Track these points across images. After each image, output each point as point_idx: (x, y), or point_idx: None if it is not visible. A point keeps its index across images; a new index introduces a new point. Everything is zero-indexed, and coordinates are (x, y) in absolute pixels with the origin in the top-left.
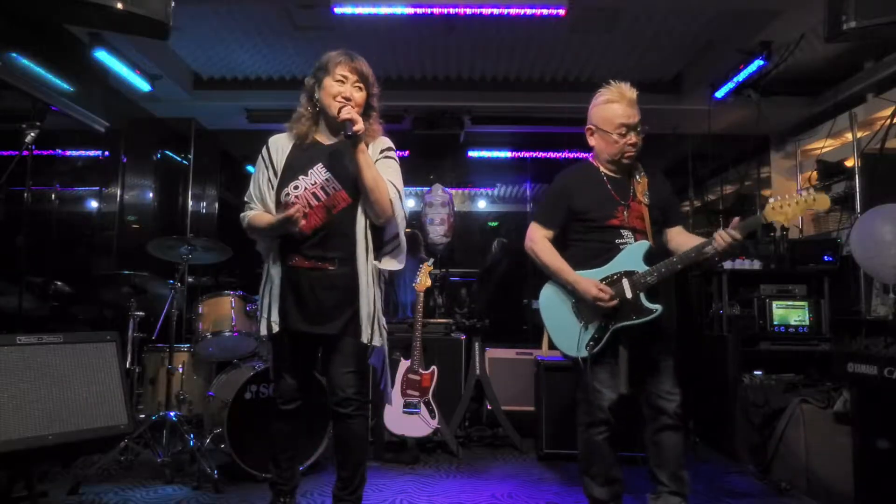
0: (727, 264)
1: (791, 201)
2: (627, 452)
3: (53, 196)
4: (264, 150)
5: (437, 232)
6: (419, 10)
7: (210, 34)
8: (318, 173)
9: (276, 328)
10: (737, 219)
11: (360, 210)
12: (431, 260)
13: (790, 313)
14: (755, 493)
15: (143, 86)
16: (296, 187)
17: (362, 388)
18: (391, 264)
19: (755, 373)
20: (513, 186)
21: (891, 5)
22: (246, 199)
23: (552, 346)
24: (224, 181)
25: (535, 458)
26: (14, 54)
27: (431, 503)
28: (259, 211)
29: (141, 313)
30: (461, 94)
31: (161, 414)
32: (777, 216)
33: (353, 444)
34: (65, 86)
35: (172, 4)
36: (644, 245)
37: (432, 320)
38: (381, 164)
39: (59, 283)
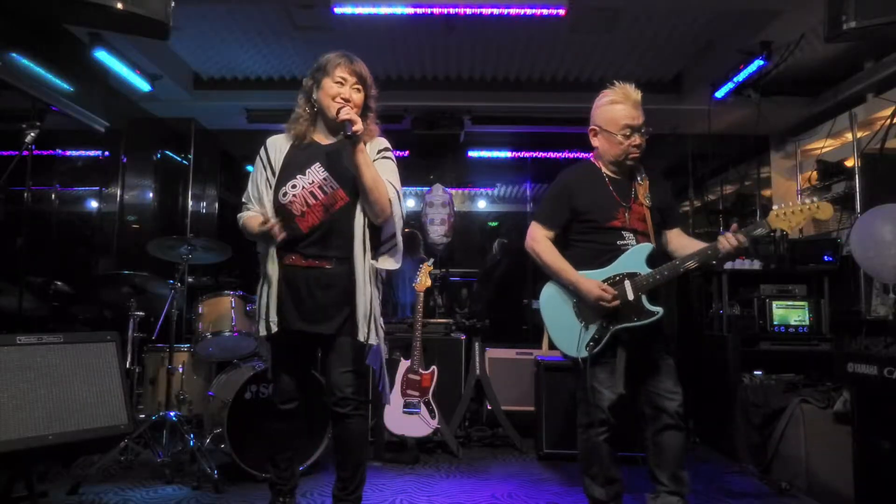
0: (727, 264)
1: (795, 209)
2: (627, 452)
3: (53, 196)
4: (262, 151)
5: (438, 232)
6: (419, 10)
7: (210, 34)
8: (315, 172)
9: (274, 328)
10: (734, 225)
11: (358, 209)
12: (431, 260)
13: (790, 313)
14: (755, 493)
15: (143, 86)
16: (293, 186)
17: (360, 387)
18: (388, 263)
19: (755, 373)
20: (513, 186)
21: (891, 5)
22: (244, 199)
23: (552, 346)
24: (224, 181)
25: (535, 458)
26: (14, 54)
27: (431, 503)
28: (255, 212)
29: (141, 313)
30: (461, 94)
31: (161, 414)
32: (780, 223)
33: (352, 444)
34: (65, 86)
35: (172, 4)
36: (647, 247)
37: (432, 320)
38: (379, 164)
39: (59, 283)
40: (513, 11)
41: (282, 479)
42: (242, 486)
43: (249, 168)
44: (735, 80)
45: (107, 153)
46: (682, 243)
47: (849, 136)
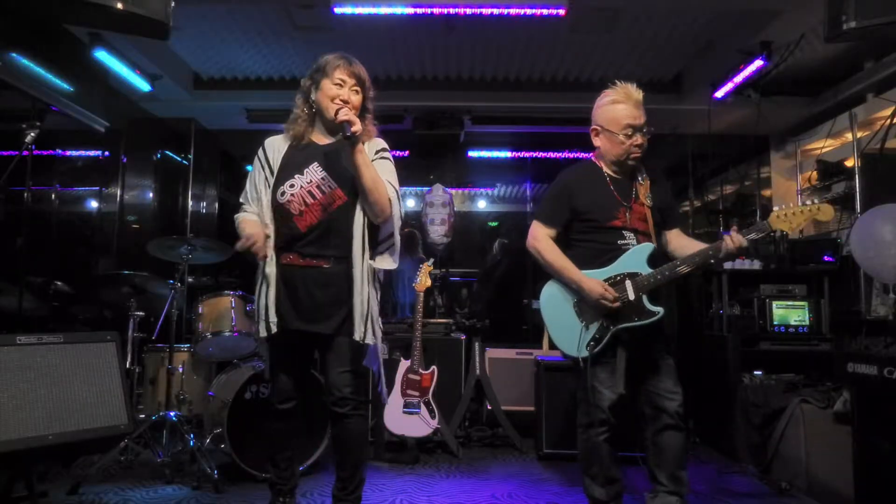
0: (727, 264)
1: (796, 210)
2: (627, 452)
3: (53, 196)
4: (260, 151)
5: (438, 232)
6: (419, 10)
7: (210, 34)
8: (313, 172)
9: (274, 329)
10: (734, 227)
11: (357, 208)
12: (431, 260)
13: (790, 313)
14: (755, 493)
15: (143, 86)
16: (292, 186)
17: (359, 387)
18: (386, 263)
19: (755, 373)
20: (513, 186)
21: (891, 5)
22: (241, 199)
23: (552, 346)
24: (224, 181)
25: (535, 458)
26: (14, 54)
27: (431, 503)
28: (252, 213)
29: (141, 313)
30: (461, 94)
31: (161, 414)
32: (782, 224)
33: (352, 444)
34: (65, 86)
35: (172, 4)
36: (648, 247)
37: (432, 320)
38: (378, 165)
39: (59, 283)
40: (513, 11)
41: (282, 479)
42: (242, 486)
43: (249, 168)
44: (735, 80)
45: (107, 153)
46: (681, 244)
47: (849, 136)
